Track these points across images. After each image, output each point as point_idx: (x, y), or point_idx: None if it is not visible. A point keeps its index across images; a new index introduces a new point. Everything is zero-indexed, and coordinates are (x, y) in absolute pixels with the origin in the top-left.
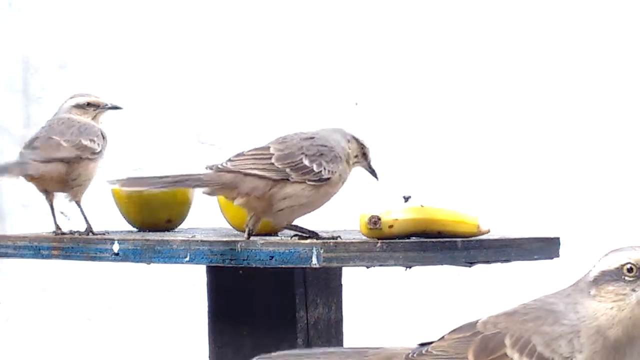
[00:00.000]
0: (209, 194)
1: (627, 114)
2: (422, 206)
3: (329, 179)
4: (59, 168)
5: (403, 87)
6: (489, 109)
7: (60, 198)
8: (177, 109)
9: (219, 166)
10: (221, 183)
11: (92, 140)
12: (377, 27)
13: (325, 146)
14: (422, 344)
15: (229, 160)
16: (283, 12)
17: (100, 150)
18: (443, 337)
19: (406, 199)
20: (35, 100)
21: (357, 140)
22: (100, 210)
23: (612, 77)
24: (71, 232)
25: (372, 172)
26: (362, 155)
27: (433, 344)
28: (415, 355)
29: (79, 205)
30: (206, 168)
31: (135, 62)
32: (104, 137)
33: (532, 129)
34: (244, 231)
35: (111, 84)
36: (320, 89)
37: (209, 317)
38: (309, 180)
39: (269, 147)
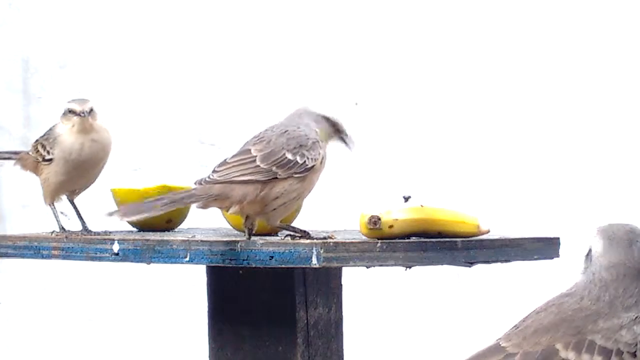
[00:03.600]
0: (203, 207)
1: (627, 114)
2: (422, 206)
3: (313, 167)
4: (32, 167)
5: (403, 87)
6: (489, 109)
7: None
8: (177, 109)
9: (207, 179)
10: (213, 195)
11: (43, 146)
12: (377, 27)
13: (302, 136)
14: None
15: (214, 171)
16: (283, 12)
17: (52, 158)
18: None
19: (406, 199)
20: (35, 100)
21: (326, 118)
22: (100, 210)
23: (612, 77)
24: (69, 232)
25: (347, 144)
26: (335, 131)
27: None
28: None
29: (72, 204)
30: (195, 183)
31: (135, 62)
32: (57, 145)
33: (532, 129)
34: (244, 231)
35: (111, 84)
36: (320, 89)
37: (208, 317)
38: (296, 173)
39: (249, 150)
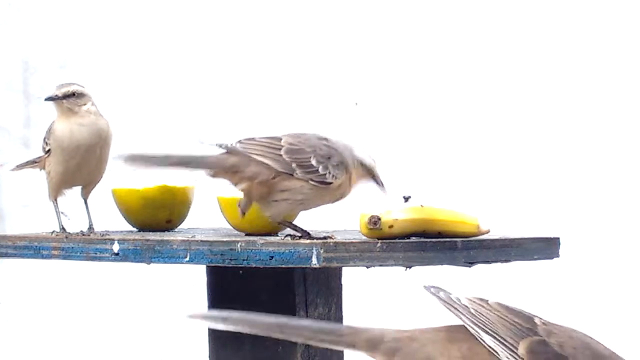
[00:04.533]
0: (212, 176)
1: (627, 114)
2: (422, 206)
3: (331, 183)
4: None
5: (403, 87)
6: (489, 109)
7: (63, 197)
8: (177, 109)
9: (229, 146)
10: (227, 166)
11: (44, 140)
12: (377, 27)
13: (337, 152)
14: (437, 287)
15: (239, 142)
16: (283, 12)
17: (50, 149)
18: (487, 301)
19: (406, 199)
20: (35, 100)
21: (362, 164)
22: (100, 210)
23: (612, 77)
24: (78, 232)
25: (381, 186)
26: (370, 176)
27: (470, 299)
28: (441, 294)
29: (85, 204)
30: (216, 145)
31: (135, 62)
32: (52, 135)
33: (532, 129)
34: (243, 231)
35: (111, 84)
36: (320, 89)
37: None
38: (312, 180)
39: (280, 139)
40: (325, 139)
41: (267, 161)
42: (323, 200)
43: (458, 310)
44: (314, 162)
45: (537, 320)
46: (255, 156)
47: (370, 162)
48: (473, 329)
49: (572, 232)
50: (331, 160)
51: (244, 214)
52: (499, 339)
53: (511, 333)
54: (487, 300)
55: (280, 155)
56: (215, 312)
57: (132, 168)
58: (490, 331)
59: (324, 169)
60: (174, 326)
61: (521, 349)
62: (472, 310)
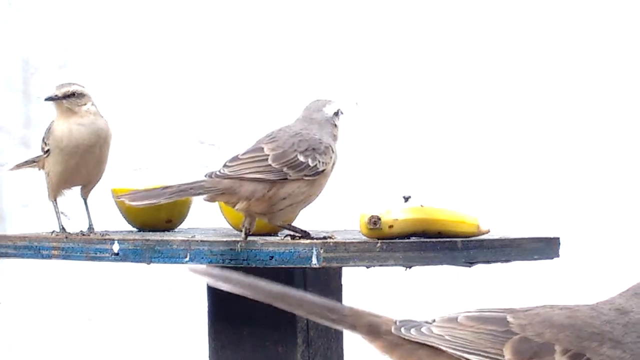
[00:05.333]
0: (210, 200)
1: (627, 114)
2: (422, 206)
3: (323, 171)
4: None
5: (403, 87)
6: (489, 109)
7: (62, 197)
8: (177, 109)
9: (217, 173)
10: (222, 189)
11: (43, 140)
12: (377, 27)
13: (315, 139)
14: (407, 321)
15: (225, 166)
16: (283, 13)
17: (49, 149)
18: (456, 319)
19: (406, 199)
20: (35, 100)
21: (338, 113)
22: (100, 210)
23: (612, 77)
24: (79, 233)
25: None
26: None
27: (440, 325)
28: (412, 331)
29: (85, 203)
30: (205, 176)
31: (135, 62)
32: (51, 135)
33: (532, 129)
34: (241, 231)
35: (111, 84)
36: (320, 89)
37: (208, 318)
38: (306, 176)
39: (262, 148)
40: (298, 133)
41: (260, 176)
42: (322, 187)
43: (434, 342)
44: (301, 158)
45: (509, 318)
46: (247, 175)
47: (339, 107)
48: (456, 354)
49: (572, 232)
50: (316, 151)
51: (247, 235)
52: (483, 354)
53: (491, 344)
54: (456, 318)
55: (269, 164)
56: (217, 270)
57: (137, 205)
58: (472, 350)
59: (313, 161)
60: (174, 326)
61: (507, 355)
62: (447, 337)
